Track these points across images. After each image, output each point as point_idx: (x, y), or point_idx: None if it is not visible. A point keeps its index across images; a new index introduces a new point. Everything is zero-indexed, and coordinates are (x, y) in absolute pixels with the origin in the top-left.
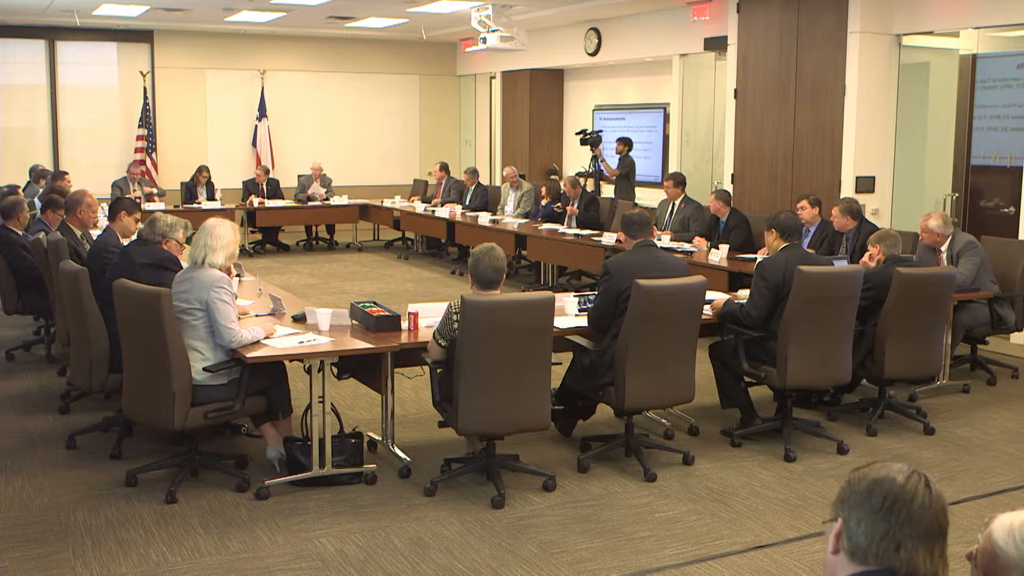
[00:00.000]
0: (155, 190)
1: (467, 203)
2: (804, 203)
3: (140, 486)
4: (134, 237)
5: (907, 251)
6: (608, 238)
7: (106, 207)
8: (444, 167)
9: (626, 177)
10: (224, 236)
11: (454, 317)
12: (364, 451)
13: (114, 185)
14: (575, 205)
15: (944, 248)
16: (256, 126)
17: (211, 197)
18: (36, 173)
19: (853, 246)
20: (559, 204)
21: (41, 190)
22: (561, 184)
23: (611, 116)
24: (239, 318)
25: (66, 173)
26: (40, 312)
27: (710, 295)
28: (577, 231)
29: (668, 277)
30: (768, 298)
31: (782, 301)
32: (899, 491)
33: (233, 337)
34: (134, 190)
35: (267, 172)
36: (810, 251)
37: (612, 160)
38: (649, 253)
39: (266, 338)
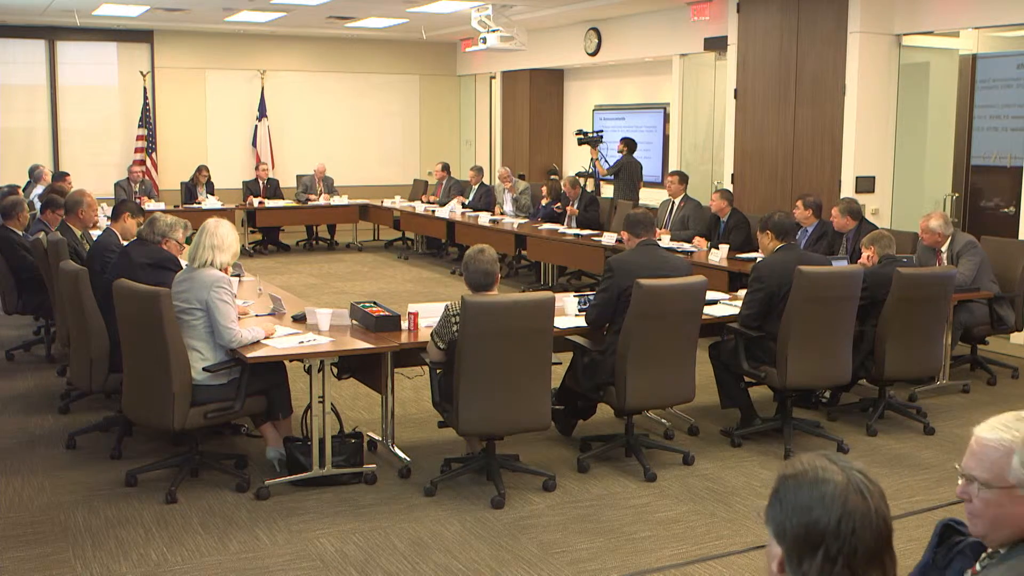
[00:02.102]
0: (153, 199)
1: (469, 201)
2: (799, 204)
3: (140, 486)
4: (134, 237)
5: (907, 251)
6: (608, 238)
7: (107, 207)
8: (445, 167)
9: (618, 176)
10: (227, 236)
11: (452, 319)
12: (364, 451)
13: (117, 186)
14: (575, 205)
15: (944, 248)
16: (256, 126)
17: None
18: (36, 174)
19: (853, 246)
20: (559, 204)
21: (39, 189)
22: (561, 184)
23: (611, 116)
24: (239, 318)
25: (67, 174)
26: (40, 312)
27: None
28: (577, 231)
29: (671, 276)
30: (761, 299)
31: (781, 301)
32: (836, 520)
33: (233, 337)
34: (136, 192)
35: (268, 167)
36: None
37: (614, 160)
38: (652, 252)
39: (266, 338)
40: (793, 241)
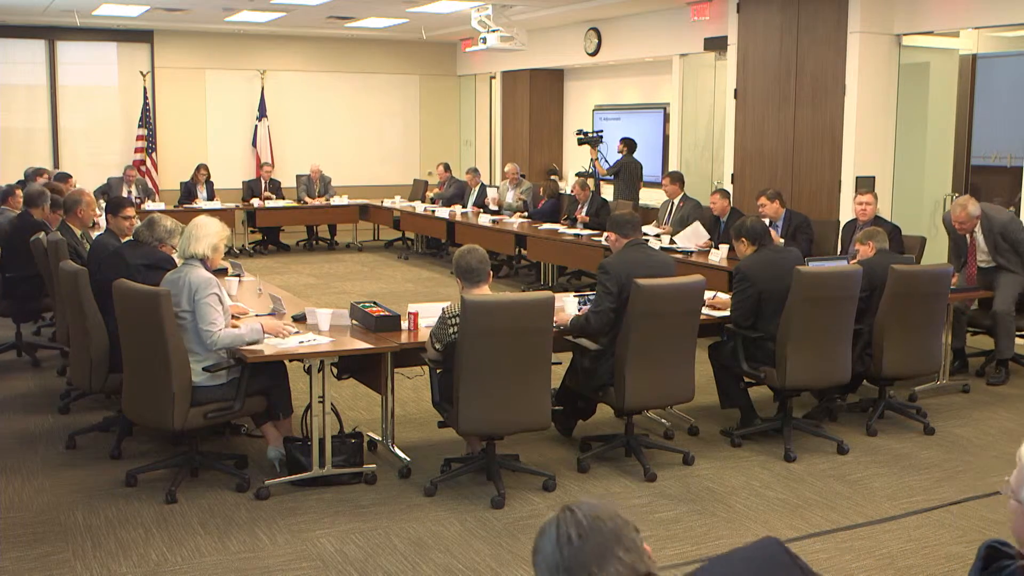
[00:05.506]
0: (152, 199)
1: (473, 202)
2: (764, 200)
3: (140, 486)
4: (127, 234)
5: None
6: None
7: (104, 203)
8: (447, 167)
9: (618, 176)
10: (205, 227)
11: (449, 322)
12: (364, 451)
13: (108, 180)
14: (583, 209)
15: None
16: (256, 126)
17: (211, 196)
18: (32, 173)
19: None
20: (566, 218)
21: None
22: (562, 184)
23: (611, 116)
24: (237, 318)
25: (69, 176)
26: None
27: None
28: (577, 231)
29: (659, 276)
30: (750, 298)
31: (771, 300)
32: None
33: (213, 339)
34: (131, 193)
35: (272, 166)
36: (781, 246)
37: (614, 160)
38: (641, 252)
39: (267, 332)
40: (767, 243)
